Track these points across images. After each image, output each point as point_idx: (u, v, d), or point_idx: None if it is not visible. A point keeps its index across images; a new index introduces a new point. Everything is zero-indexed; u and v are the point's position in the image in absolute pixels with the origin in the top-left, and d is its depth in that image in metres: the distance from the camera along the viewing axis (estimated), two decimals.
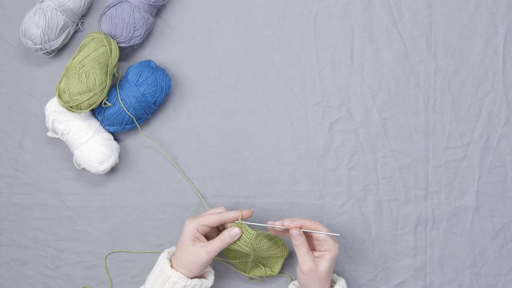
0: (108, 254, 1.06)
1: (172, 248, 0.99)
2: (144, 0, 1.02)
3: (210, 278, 0.98)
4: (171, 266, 0.95)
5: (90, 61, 0.98)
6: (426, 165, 1.08)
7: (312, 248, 0.98)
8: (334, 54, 1.09)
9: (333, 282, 0.99)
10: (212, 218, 0.95)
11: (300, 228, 0.95)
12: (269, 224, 0.96)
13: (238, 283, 1.06)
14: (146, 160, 1.07)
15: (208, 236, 0.98)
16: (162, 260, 0.95)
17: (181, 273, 0.93)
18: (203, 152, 1.08)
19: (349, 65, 1.09)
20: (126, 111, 1.01)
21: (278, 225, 0.96)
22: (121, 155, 1.06)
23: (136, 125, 1.04)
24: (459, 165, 1.08)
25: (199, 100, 1.08)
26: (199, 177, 1.07)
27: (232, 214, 0.96)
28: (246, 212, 0.96)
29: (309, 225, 0.95)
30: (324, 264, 0.94)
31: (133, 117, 1.02)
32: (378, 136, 1.08)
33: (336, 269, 1.06)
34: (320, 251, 0.96)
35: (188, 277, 0.94)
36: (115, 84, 1.04)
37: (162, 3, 1.04)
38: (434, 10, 1.09)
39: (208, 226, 0.95)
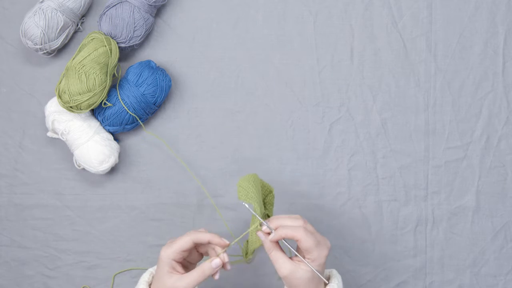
0: (116, 274, 1.06)
1: (155, 268, 0.92)
2: (144, 0, 1.02)
3: None
4: None
5: (90, 61, 0.98)
6: (426, 165, 1.08)
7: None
8: (334, 54, 1.09)
9: (328, 278, 0.92)
10: (185, 242, 0.87)
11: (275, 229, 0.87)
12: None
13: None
14: (146, 160, 1.07)
15: (188, 264, 0.92)
16: (142, 284, 0.89)
17: None
18: (203, 152, 1.08)
19: (349, 65, 1.09)
20: (127, 111, 1.01)
21: (262, 228, 0.89)
22: (121, 155, 1.06)
23: (136, 125, 1.05)
24: (459, 165, 1.08)
25: (199, 100, 1.08)
26: (199, 177, 1.07)
27: (207, 236, 0.87)
28: (221, 243, 0.88)
29: (288, 233, 0.86)
30: (305, 271, 0.86)
31: (136, 116, 1.02)
32: (378, 136, 1.08)
33: (336, 269, 1.06)
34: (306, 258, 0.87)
35: None
36: (115, 84, 1.04)
37: (162, 3, 1.04)
38: (434, 10, 1.09)
39: (184, 251, 0.87)
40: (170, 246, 0.87)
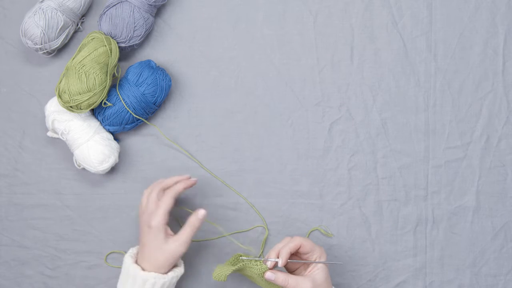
0: (109, 254, 1.06)
1: (132, 250, 0.96)
2: (144, 0, 1.02)
3: (181, 264, 0.96)
4: (142, 269, 0.92)
5: (90, 61, 0.98)
6: (426, 165, 1.08)
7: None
8: (334, 54, 1.09)
9: None
10: (168, 202, 0.92)
11: (291, 253, 0.92)
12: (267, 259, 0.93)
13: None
14: (146, 160, 1.07)
15: None
16: (131, 265, 0.92)
17: (155, 272, 0.91)
18: (203, 152, 1.08)
19: (349, 65, 1.09)
20: (129, 110, 1.01)
21: (269, 264, 0.92)
22: (121, 155, 1.06)
23: (136, 124, 1.05)
24: (459, 165, 1.08)
25: (199, 100, 1.08)
26: (199, 177, 1.07)
27: (174, 179, 0.96)
28: (189, 182, 0.97)
29: (291, 246, 0.92)
30: (320, 273, 0.93)
31: (139, 117, 1.02)
32: (378, 136, 1.08)
33: (337, 269, 1.06)
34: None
35: (163, 274, 0.92)
36: (115, 84, 1.04)
37: (162, 3, 1.05)
38: (434, 10, 1.09)
39: (169, 212, 0.92)
40: (156, 214, 0.91)
